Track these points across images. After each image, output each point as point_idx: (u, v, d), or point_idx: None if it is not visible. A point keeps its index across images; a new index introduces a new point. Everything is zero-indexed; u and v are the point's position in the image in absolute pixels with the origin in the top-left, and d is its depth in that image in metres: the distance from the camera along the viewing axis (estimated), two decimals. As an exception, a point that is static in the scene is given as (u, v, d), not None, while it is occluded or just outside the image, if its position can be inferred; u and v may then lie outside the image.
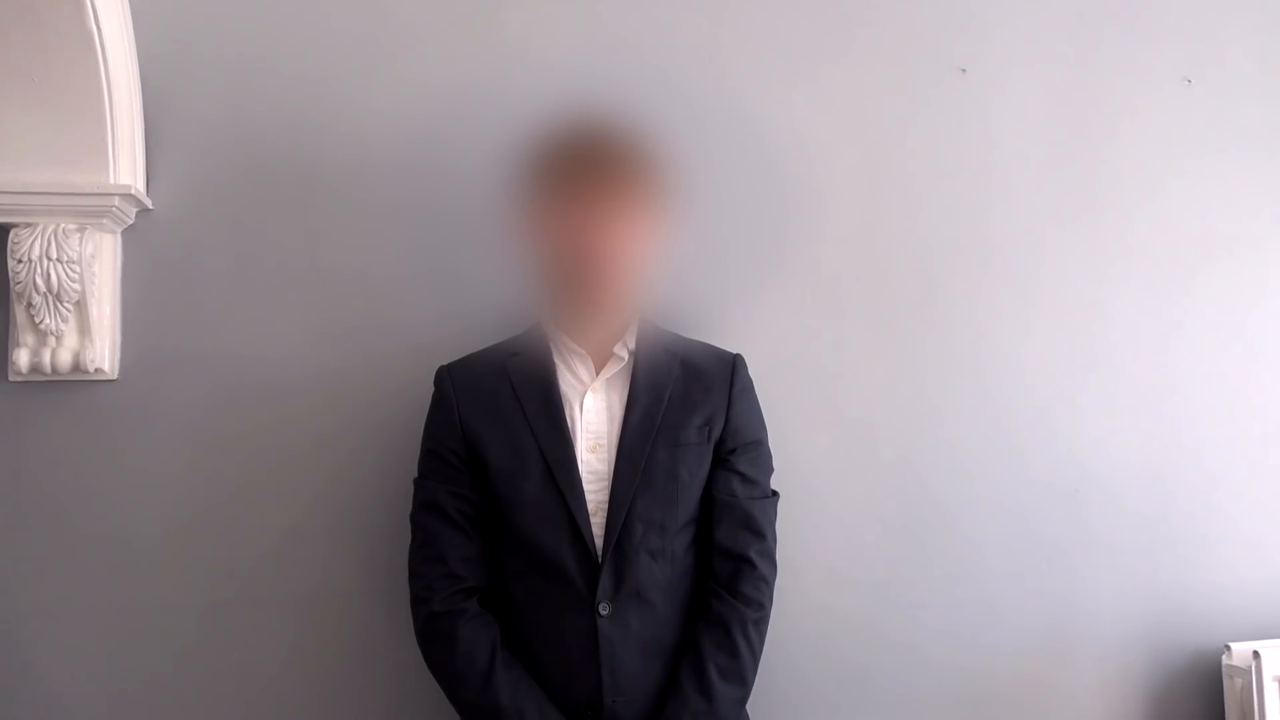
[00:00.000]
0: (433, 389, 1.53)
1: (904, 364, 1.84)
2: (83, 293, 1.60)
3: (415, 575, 1.47)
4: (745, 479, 1.51)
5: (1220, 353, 1.94)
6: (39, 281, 1.58)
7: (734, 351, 1.60)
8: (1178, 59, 1.97)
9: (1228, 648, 1.83)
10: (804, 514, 1.75)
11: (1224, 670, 1.84)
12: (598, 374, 1.51)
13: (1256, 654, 1.77)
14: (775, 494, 1.56)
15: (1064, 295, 1.90)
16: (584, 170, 1.45)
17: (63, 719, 1.62)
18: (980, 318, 1.87)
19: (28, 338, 1.62)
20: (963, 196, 1.88)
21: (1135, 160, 1.94)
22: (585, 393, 1.50)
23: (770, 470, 1.57)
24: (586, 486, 1.45)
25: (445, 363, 1.55)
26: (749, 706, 1.54)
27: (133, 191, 1.62)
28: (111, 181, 1.60)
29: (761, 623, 1.48)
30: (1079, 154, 1.92)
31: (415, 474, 1.52)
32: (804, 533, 1.74)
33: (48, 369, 1.62)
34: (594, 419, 1.49)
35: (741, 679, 1.45)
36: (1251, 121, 1.98)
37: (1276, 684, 1.77)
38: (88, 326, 1.62)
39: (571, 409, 1.49)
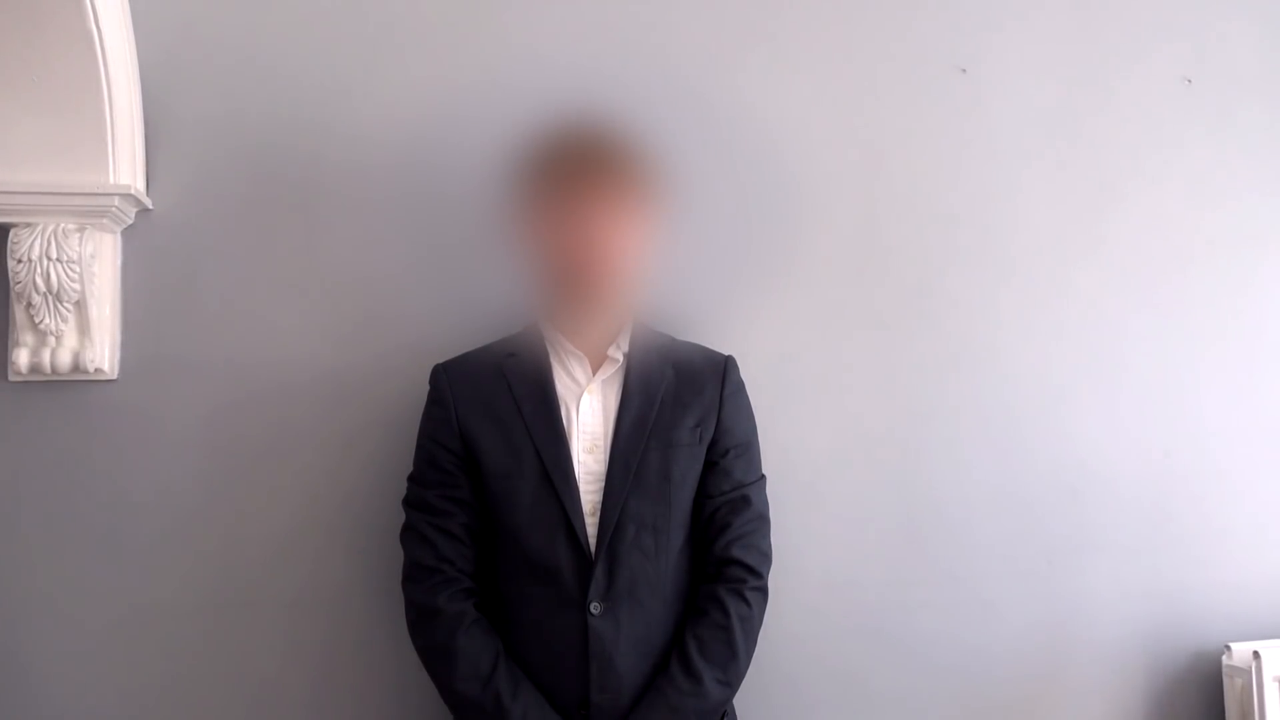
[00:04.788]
0: (428, 388, 1.53)
1: (903, 364, 1.84)
2: (82, 293, 1.60)
3: (409, 575, 1.48)
4: (736, 480, 1.52)
5: (1220, 352, 1.94)
6: (39, 281, 1.58)
7: (731, 352, 1.60)
8: (1178, 59, 1.97)
9: (1228, 648, 1.83)
10: (803, 514, 1.75)
11: (1224, 670, 1.84)
12: (594, 375, 1.51)
13: (1256, 654, 1.77)
14: (763, 477, 1.56)
15: (1064, 294, 1.90)
16: (580, 171, 1.45)
17: (63, 717, 1.62)
18: (979, 317, 1.87)
19: (27, 338, 1.62)
20: (962, 196, 1.88)
21: (1135, 160, 1.94)
22: (582, 394, 1.50)
23: (760, 471, 1.57)
24: (583, 487, 1.45)
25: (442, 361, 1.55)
26: (746, 707, 1.54)
27: (132, 191, 1.62)
28: (111, 181, 1.60)
29: (751, 620, 1.48)
30: (1079, 153, 1.92)
31: (410, 472, 1.52)
32: (802, 533, 1.74)
33: (47, 369, 1.62)
34: (590, 420, 1.49)
35: (729, 669, 1.44)
36: (1251, 121, 1.98)
37: (1276, 684, 1.77)
38: (87, 326, 1.62)
39: (568, 410, 1.49)
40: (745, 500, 1.51)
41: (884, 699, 1.78)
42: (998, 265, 1.88)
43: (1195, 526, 1.90)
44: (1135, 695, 1.86)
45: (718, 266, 1.79)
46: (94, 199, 1.60)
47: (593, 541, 1.44)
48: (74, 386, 1.65)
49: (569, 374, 1.52)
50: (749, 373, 1.60)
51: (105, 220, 1.62)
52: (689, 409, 1.51)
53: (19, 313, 1.61)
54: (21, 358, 1.62)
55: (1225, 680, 1.84)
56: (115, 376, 1.67)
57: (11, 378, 1.64)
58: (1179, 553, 1.89)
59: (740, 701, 1.53)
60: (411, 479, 1.52)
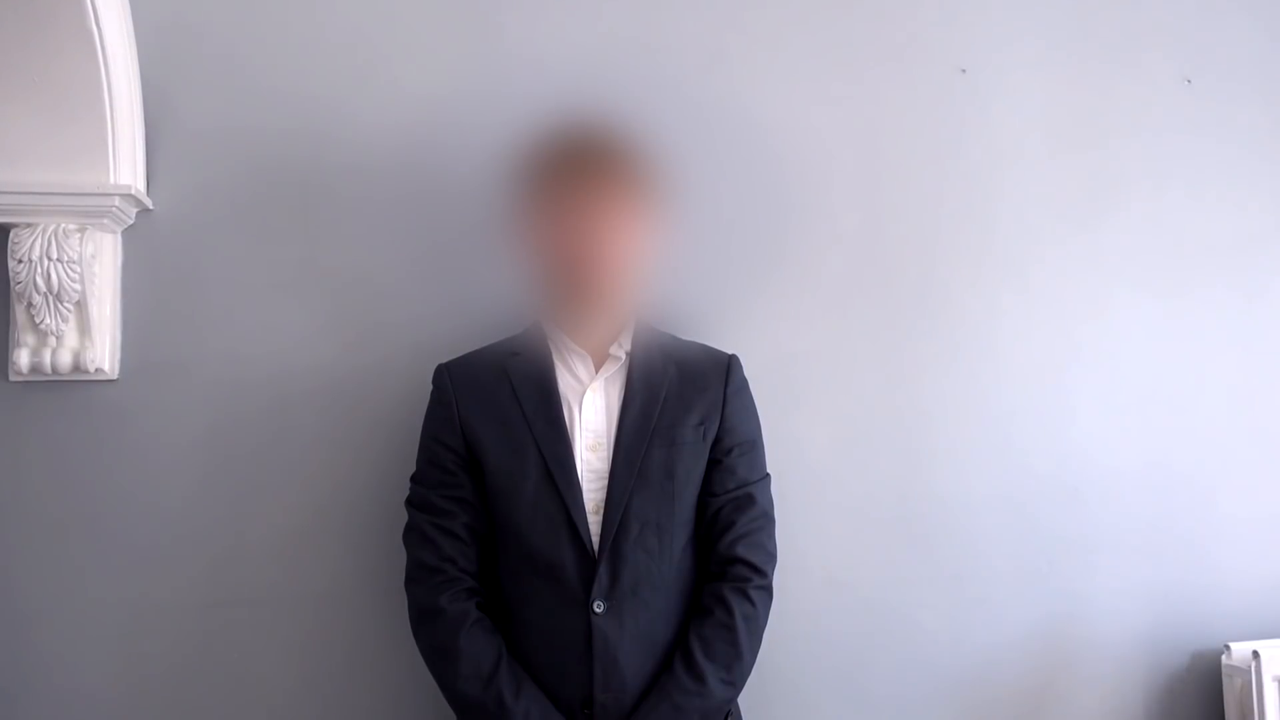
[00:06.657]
0: (431, 387, 1.53)
1: (904, 363, 1.84)
2: (83, 293, 1.60)
3: (412, 576, 1.48)
4: (740, 478, 1.52)
5: (1220, 352, 1.94)
6: (39, 281, 1.58)
7: (732, 351, 1.60)
8: (1178, 59, 1.97)
9: (1228, 648, 1.83)
10: (804, 514, 1.75)
11: (1224, 670, 1.84)
12: (596, 373, 1.51)
13: (1256, 654, 1.77)
14: (768, 476, 1.56)
15: (1064, 294, 1.90)
16: (581, 170, 1.45)
17: (63, 718, 1.62)
18: (980, 317, 1.87)
19: (28, 338, 1.62)
20: (962, 196, 1.88)
21: (1135, 160, 1.94)
22: (584, 392, 1.50)
23: (765, 470, 1.57)
24: (587, 485, 1.45)
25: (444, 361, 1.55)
26: (746, 706, 1.54)
27: (133, 191, 1.62)
28: (111, 181, 1.60)
29: (756, 619, 1.47)
30: (1079, 154, 1.92)
31: (413, 472, 1.52)
32: (804, 532, 1.74)
33: (48, 369, 1.62)
34: (593, 418, 1.49)
35: (734, 669, 1.44)
36: (1251, 121, 1.98)
37: (1276, 684, 1.77)
38: (88, 326, 1.62)
39: (571, 408, 1.49)
40: (750, 499, 1.51)
41: (885, 698, 1.78)
42: (998, 264, 1.88)
43: (1195, 526, 1.90)
44: (1135, 695, 1.86)
45: (720, 266, 1.79)
46: (94, 199, 1.60)
47: (596, 540, 1.43)
48: (74, 386, 1.65)
49: (571, 372, 1.51)
50: (751, 372, 1.60)
51: (105, 220, 1.62)
52: (692, 406, 1.51)
53: (19, 313, 1.61)
54: (22, 358, 1.62)
55: (1225, 680, 1.84)
56: (115, 376, 1.66)
57: (12, 378, 1.64)
58: (1179, 553, 1.89)
59: (743, 700, 1.53)
60: (414, 479, 1.52)
